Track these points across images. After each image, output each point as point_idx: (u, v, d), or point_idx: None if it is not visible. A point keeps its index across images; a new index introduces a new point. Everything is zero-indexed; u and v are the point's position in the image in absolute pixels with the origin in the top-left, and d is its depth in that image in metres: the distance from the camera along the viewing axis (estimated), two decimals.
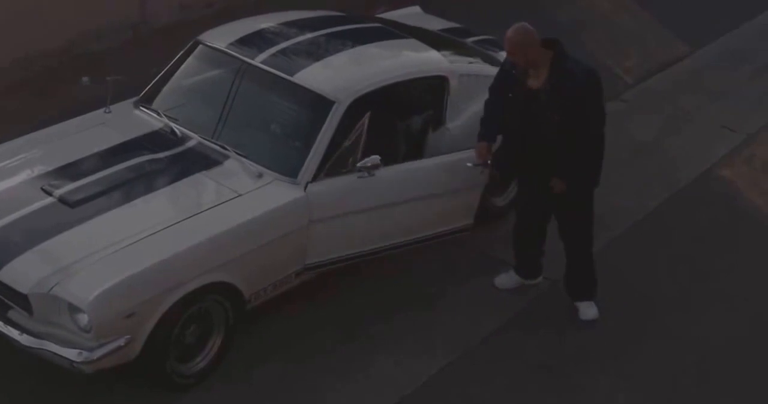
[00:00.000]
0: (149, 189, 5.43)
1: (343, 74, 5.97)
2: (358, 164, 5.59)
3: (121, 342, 4.90)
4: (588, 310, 5.99)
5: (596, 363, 5.72)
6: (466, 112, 6.26)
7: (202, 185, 5.50)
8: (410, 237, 6.03)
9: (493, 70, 6.61)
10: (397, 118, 6.15)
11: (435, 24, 7.50)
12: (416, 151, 6.07)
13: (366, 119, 5.71)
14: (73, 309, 4.85)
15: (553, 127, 5.42)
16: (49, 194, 5.29)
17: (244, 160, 5.60)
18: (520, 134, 5.59)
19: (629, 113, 8.24)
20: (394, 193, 5.80)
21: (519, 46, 5.36)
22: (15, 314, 5.03)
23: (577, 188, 5.65)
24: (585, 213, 5.82)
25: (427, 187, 5.96)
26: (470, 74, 6.42)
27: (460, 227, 6.26)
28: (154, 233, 5.11)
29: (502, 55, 6.96)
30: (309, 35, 6.22)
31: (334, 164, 5.59)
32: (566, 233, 5.89)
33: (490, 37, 7.38)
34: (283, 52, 6.00)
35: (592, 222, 5.87)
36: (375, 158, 5.57)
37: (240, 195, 5.42)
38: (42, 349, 4.92)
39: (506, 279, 6.20)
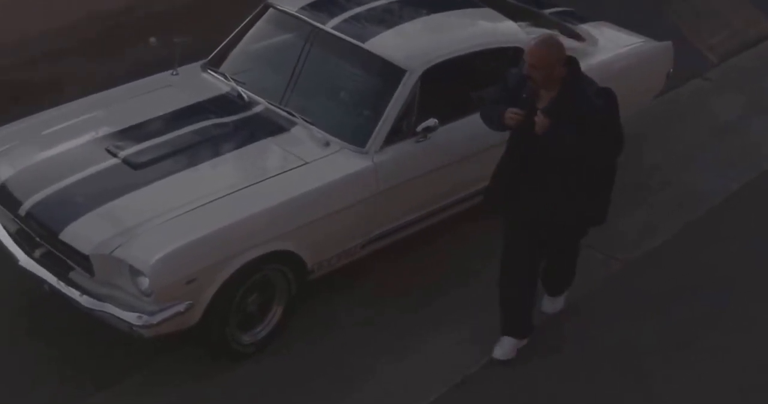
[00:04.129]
0: (214, 153, 5.36)
1: (417, 43, 5.85)
2: (418, 127, 5.48)
3: (182, 307, 4.85)
4: (552, 304, 5.65)
5: (666, 352, 5.52)
6: None
7: (268, 151, 5.42)
8: (464, 193, 5.90)
9: (572, 43, 6.45)
10: (469, 90, 6.00)
11: None
12: None
13: (438, 89, 5.59)
14: (135, 272, 4.80)
15: (563, 150, 4.80)
16: (114, 155, 5.26)
17: (311, 127, 5.51)
18: (522, 160, 4.96)
19: (713, 92, 7.99)
20: (451, 152, 5.67)
21: (548, 61, 4.74)
22: (76, 275, 5.01)
23: (578, 225, 5.15)
24: (574, 249, 5.40)
25: (477, 141, 5.72)
26: None
27: None
28: (218, 198, 5.04)
29: (582, 28, 6.83)
30: (383, 1, 6.08)
31: (393, 131, 5.49)
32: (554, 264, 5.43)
33: (569, 9, 7.21)
34: (355, 17, 5.89)
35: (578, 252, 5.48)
36: (433, 120, 5.47)
37: (306, 163, 5.34)
38: (102, 311, 4.90)
39: (506, 347, 5.41)
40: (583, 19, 7.04)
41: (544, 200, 4.94)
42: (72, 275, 5.01)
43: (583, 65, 6.27)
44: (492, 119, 5.06)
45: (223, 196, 5.05)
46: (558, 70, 4.77)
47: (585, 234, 5.33)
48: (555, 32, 6.49)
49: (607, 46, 6.71)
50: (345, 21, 5.82)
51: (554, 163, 4.84)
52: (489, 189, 5.26)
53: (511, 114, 4.84)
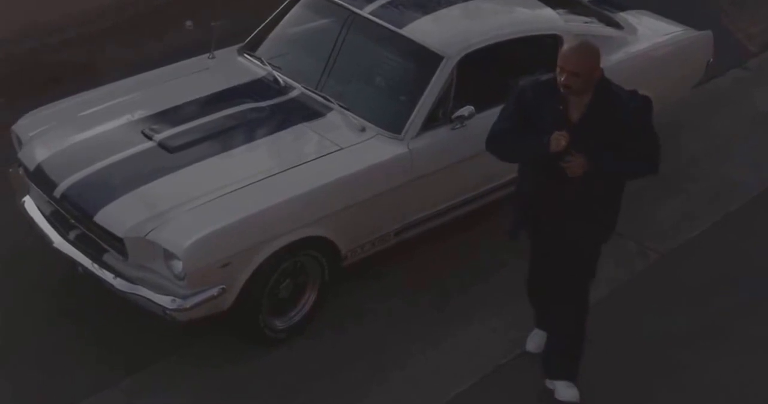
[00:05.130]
0: (250, 138, 5.35)
1: (454, 29, 5.80)
2: (454, 115, 5.44)
3: (215, 291, 4.85)
4: (566, 390, 5.06)
5: (700, 343, 5.46)
6: None
7: (304, 137, 5.40)
8: (499, 182, 5.81)
9: (610, 32, 6.39)
10: (507, 77, 5.93)
11: None
12: None
13: (475, 76, 5.54)
14: (168, 256, 4.80)
15: (597, 157, 4.50)
16: (149, 138, 5.26)
17: (347, 112, 5.49)
18: (546, 175, 4.63)
19: (752, 82, 7.89)
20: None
21: (588, 66, 4.43)
22: (110, 257, 5.02)
23: (592, 239, 4.79)
24: (586, 272, 4.88)
25: None
26: (585, 34, 6.15)
27: None
28: (253, 183, 5.03)
29: (620, 16, 6.75)
30: None
31: (429, 118, 5.46)
32: (561, 294, 4.95)
33: None
34: (392, 3, 5.85)
35: (589, 284, 4.93)
36: (469, 108, 5.41)
37: (341, 148, 5.32)
38: (135, 294, 4.91)
39: (539, 340, 5.29)
40: (622, 7, 6.96)
41: (567, 217, 4.67)
42: (106, 257, 5.02)
43: (622, 54, 6.33)
44: (524, 147, 4.63)
45: (258, 181, 5.03)
46: (597, 73, 4.52)
47: (593, 265, 4.86)
48: (592, 20, 6.45)
49: (646, 35, 6.63)
50: (382, 6, 5.78)
51: (583, 177, 4.56)
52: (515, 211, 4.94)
53: (561, 136, 4.44)
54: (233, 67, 5.86)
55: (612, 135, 4.52)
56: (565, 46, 4.57)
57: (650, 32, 6.69)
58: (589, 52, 4.52)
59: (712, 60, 6.88)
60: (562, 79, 4.46)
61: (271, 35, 6.01)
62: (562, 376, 5.07)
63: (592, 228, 4.73)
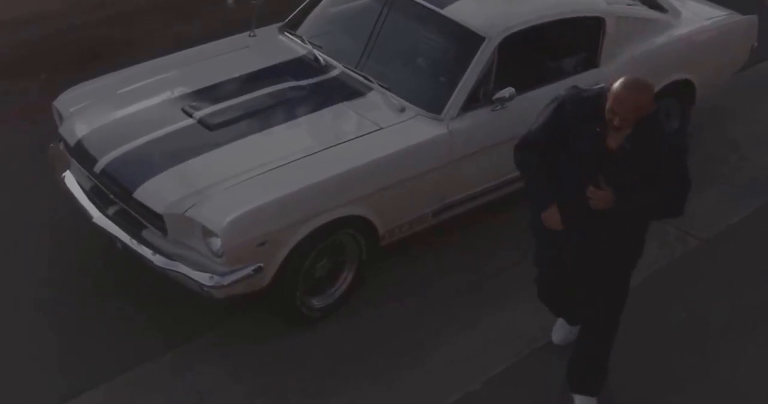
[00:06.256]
0: (289, 116, 5.34)
1: (496, 10, 5.75)
2: (495, 96, 5.40)
3: (252, 269, 4.86)
4: None
5: (736, 332, 5.40)
6: (621, 57, 5.98)
7: (344, 116, 5.39)
8: None
9: (653, 14, 6.31)
10: (548, 59, 5.91)
11: None
12: None
13: (516, 58, 5.50)
14: (207, 233, 4.81)
15: (627, 193, 4.26)
16: (189, 115, 5.27)
17: (387, 92, 5.47)
18: (575, 200, 4.34)
19: None
20: (527, 122, 5.49)
21: (642, 109, 4.15)
22: (149, 234, 5.03)
23: (622, 262, 4.58)
24: (620, 294, 4.68)
25: None
26: (628, 17, 6.13)
27: None
28: (292, 161, 5.03)
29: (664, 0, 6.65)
30: None
31: (469, 99, 5.42)
32: (590, 313, 4.76)
33: None
34: None
35: (622, 306, 4.72)
36: (510, 90, 5.38)
37: (381, 128, 5.30)
38: (174, 271, 4.93)
39: (563, 332, 5.21)
40: None
41: (584, 233, 4.43)
42: (145, 234, 5.04)
43: (665, 37, 6.26)
44: (532, 187, 4.49)
45: (297, 159, 5.03)
46: (650, 108, 4.21)
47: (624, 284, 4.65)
48: (635, 3, 6.36)
49: (690, 19, 6.55)
50: None
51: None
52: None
53: (554, 219, 4.34)
54: (274, 45, 5.85)
55: (649, 169, 4.24)
56: (618, 86, 4.14)
57: (694, 16, 6.60)
58: (644, 94, 4.17)
59: (756, 45, 6.78)
60: (614, 121, 4.16)
61: (312, 14, 6.01)
62: (583, 390, 4.88)
63: (616, 246, 4.46)
